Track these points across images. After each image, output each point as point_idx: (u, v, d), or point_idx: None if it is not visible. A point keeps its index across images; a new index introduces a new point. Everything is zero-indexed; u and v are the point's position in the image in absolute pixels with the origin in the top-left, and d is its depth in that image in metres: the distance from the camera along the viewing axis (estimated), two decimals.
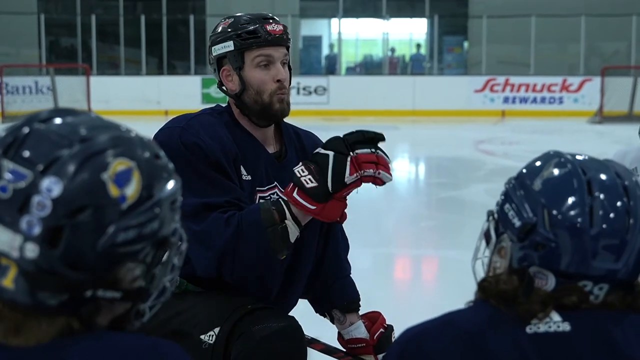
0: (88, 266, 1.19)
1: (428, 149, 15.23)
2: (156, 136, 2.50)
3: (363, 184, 2.38)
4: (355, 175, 2.33)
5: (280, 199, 2.43)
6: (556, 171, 1.50)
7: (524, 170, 1.55)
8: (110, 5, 24.87)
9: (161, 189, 1.25)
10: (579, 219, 1.44)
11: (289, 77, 2.61)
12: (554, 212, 1.46)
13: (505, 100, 21.23)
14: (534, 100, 21.20)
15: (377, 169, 2.36)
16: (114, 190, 1.19)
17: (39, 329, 1.21)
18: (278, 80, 2.55)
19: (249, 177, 2.55)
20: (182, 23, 23.71)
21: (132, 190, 1.21)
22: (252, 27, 2.54)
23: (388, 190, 10.93)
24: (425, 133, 17.99)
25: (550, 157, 1.55)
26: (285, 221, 2.38)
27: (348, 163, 2.34)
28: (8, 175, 1.17)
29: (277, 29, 2.56)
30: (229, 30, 2.56)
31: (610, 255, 1.44)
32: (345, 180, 2.33)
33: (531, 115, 20.33)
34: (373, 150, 2.37)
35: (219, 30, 2.60)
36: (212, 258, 2.39)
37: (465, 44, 24.77)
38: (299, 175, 2.36)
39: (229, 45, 2.55)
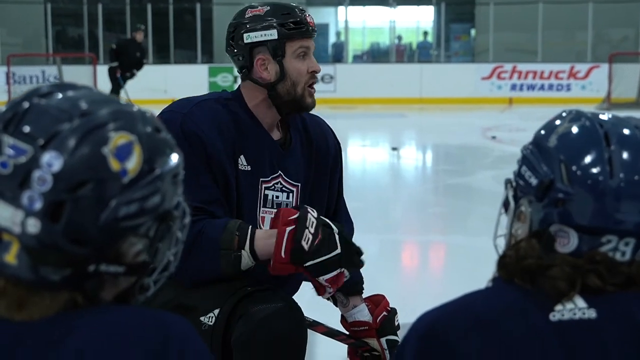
0: (90, 241, 1.18)
1: (435, 137, 15.21)
2: (158, 117, 2.48)
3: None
4: (326, 284, 2.33)
5: (250, 229, 2.38)
6: (572, 126, 1.47)
7: (541, 132, 1.51)
8: None
9: (163, 162, 1.24)
10: (598, 170, 1.40)
11: None
12: (572, 165, 1.41)
13: (513, 87, 21.18)
14: (542, 88, 21.15)
15: (333, 290, 2.38)
16: (114, 164, 1.18)
17: (42, 304, 1.20)
18: (312, 72, 2.56)
19: (249, 168, 2.53)
20: (188, 12, 23.68)
21: (133, 164, 1.20)
22: (296, 18, 2.53)
23: (395, 177, 10.94)
24: (432, 120, 17.95)
25: (565, 115, 1.51)
26: (242, 250, 2.37)
27: (334, 273, 2.31)
28: (8, 151, 1.17)
29: (312, 21, 2.58)
30: (271, 18, 2.52)
31: (633, 206, 1.39)
32: (320, 277, 2.31)
33: (539, 103, 20.27)
34: (346, 278, 2.38)
35: (253, 18, 2.54)
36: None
37: (473, 32, 24.69)
38: (307, 224, 2.31)
39: (271, 34, 2.51)
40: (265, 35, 2.52)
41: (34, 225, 1.16)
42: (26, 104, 1.21)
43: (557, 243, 1.41)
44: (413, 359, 1.39)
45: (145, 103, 19.08)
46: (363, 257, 2.73)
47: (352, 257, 2.35)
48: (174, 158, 1.27)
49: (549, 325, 1.36)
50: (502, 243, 1.55)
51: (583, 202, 1.40)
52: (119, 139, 1.19)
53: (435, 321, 1.41)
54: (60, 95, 1.22)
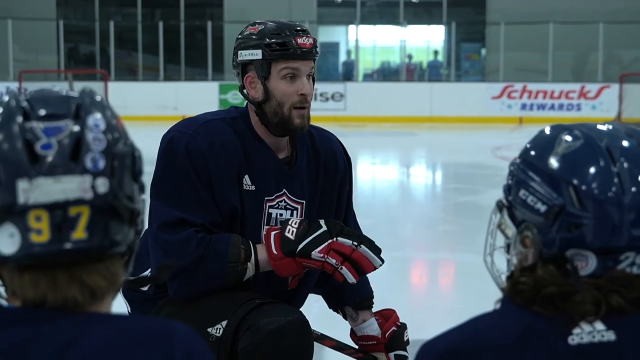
0: (132, 195, 1.25)
1: (445, 155, 15.20)
2: (164, 137, 2.53)
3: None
4: (321, 255, 2.43)
5: (251, 242, 2.49)
6: (571, 145, 1.42)
7: (532, 152, 1.46)
8: (129, 12, 24.98)
9: None
10: (610, 189, 1.37)
11: (312, 88, 2.59)
12: (582, 187, 1.37)
13: (523, 107, 21.16)
14: (552, 107, 21.13)
15: (342, 263, 2.43)
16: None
17: (109, 275, 1.24)
18: (301, 94, 2.53)
19: (253, 188, 2.54)
20: (199, 29, 23.79)
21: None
22: (282, 40, 2.50)
23: (405, 195, 10.93)
24: (442, 139, 17.96)
25: (556, 133, 1.46)
26: (248, 263, 2.45)
27: (325, 244, 2.44)
28: (45, 133, 1.20)
29: (308, 43, 2.52)
30: (258, 38, 2.51)
31: None
32: (312, 254, 2.43)
33: (549, 122, 20.08)
34: (355, 244, 2.44)
35: (247, 35, 2.55)
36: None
37: (483, 51, 24.72)
38: (288, 223, 2.48)
39: (256, 54, 2.51)
40: (252, 54, 2.52)
41: (103, 184, 1.20)
42: (23, 102, 1.25)
43: (576, 266, 1.38)
44: None
45: (156, 120, 19.15)
46: (367, 276, 2.74)
47: (341, 228, 2.47)
48: None
49: (569, 349, 1.33)
50: (495, 262, 1.51)
51: (599, 224, 1.37)
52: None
53: (450, 349, 1.36)
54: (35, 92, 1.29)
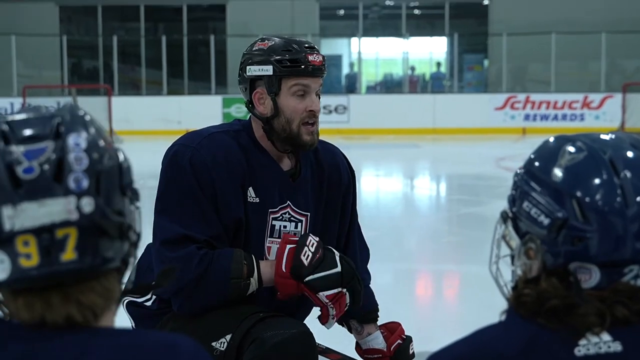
0: (121, 209, 1.23)
1: (449, 166, 15.20)
2: (168, 151, 2.53)
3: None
4: (327, 301, 2.43)
5: (253, 257, 2.47)
6: (574, 157, 1.41)
7: (536, 164, 1.45)
8: (132, 27, 25.05)
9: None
10: (613, 203, 1.36)
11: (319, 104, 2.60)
12: (585, 200, 1.36)
13: (526, 117, 21.17)
14: (555, 118, 21.13)
15: (336, 316, 2.47)
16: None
17: (104, 291, 1.23)
18: (310, 110, 2.53)
19: (257, 200, 2.54)
20: (202, 43, 23.84)
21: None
22: (293, 56, 2.49)
23: (409, 207, 10.93)
24: (446, 150, 17.96)
25: (559, 144, 1.45)
26: (250, 279, 2.45)
27: (335, 291, 2.43)
28: (25, 157, 1.19)
29: (318, 60, 2.52)
30: (270, 53, 2.51)
31: None
32: (319, 293, 2.42)
33: (552, 132, 20.05)
34: (347, 304, 2.47)
35: (256, 51, 2.54)
36: (171, 285, 2.43)
37: (486, 62, 24.74)
38: (306, 243, 2.45)
39: (267, 70, 2.50)
40: (262, 70, 2.51)
41: (88, 204, 1.19)
42: (4, 126, 1.23)
43: (579, 279, 1.37)
44: None
45: (159, 134, 19.17)
46: (372, 288, 2.75)
47: (353, 278, 2.45)
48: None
49: None
50: (500, 272, 1.51)
51: (602, 237, 1.36)
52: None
53: None
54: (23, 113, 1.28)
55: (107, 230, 1.21)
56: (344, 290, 2.43)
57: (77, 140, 1.21)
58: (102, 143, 1.24)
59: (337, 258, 2.45)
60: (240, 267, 2.43)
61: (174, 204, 2.45)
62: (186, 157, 2.46)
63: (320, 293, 2.41)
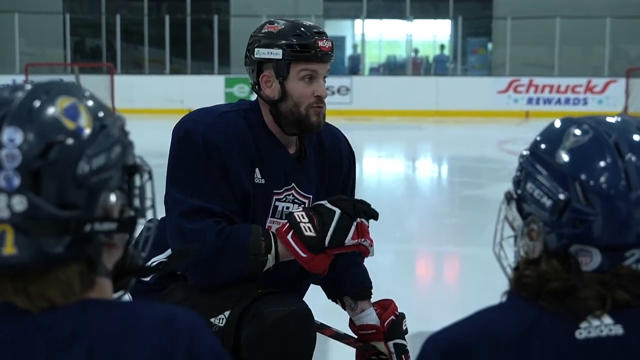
0: (74, 202, 1.19)
1: (451, 149, 15.19)
2: (179, 125, 2.52)
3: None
4: (356, 240, 2.41)
5: (271, 233, 2.46)
6: (579, 140, 1.39)
7: (542, 146, 1.43)
8: (135, 6, 24.97)
9: (109, 117, 1.28)
10: (616, 186, 1.35)
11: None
12: (589, 182, 1.35)
13: (529, 101, 21.14)
14: (558, 102, 21.10)
15: (371, 243, 2.45)
16: (69, 124, 1.21)
17: (58, 284, 1.21)
18: (317, 96, 2.54)
19: (263, 181, 2.54)
20: (206, 23, 23.78)
21: (84, 121, 1.23)
22: (304, 41, 2.49)
23: (411, 188, 10.94)
24: (448, 133, 17.94)
25: (565, 126, 1.44)
26: (268, 255, 2.43)
27: (353, 227, 2.42)
28: None
29: (327, 46, 2.52)
30: (279, 37, 2.50)
31: None
32: (346, 241, 2.41)
33: (555, 116, 19.85)
34: (368, 224, 2.46)
35: (266, 34, 2.53)
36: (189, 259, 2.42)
37: (489, 45, 24.68)
38: (298, 220, 2.43)
39: (276, 53, 2.50)
40: (271, 53, 2.51)
41: (20, 203, 1.16)
42: None
43: (580, 262, 1.36)
44: None
45: (162, 113, 19.17)
46: (367, 267, 2.75)
47: (355, 205, 2.44)
48: (116, 115, 1.31)
49: (576, 343, 1.32)
50: (502, 253, 1.51)
51: (604, 221, 1.35)
52: (62, 102, 1.23)
53: (455, 342, 1.36)
54: None
55: (47, 228, 1.18)
56: (358, 220, 2.43)
57: (11, 136, 1.17)
58: (52, 136, 1.19)
59: (329, 205, 2.44)
60: (259, 243, 2.42)
61: (189, 178, 2.45)
62: (199, 133, 2.46)
63: (346, 241, 2.41)
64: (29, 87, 1.24)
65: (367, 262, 2.80)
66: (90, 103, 1.26)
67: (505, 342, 1.32)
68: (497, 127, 18.42)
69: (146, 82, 21.77)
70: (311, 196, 2.65)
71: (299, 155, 2.65)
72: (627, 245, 1.36)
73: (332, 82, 20.94)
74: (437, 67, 24.07)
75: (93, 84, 19.34)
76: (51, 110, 1.21)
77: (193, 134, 2.47)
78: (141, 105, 20.11)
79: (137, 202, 1.30)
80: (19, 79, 19.47)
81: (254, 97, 2.66)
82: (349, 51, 25.37)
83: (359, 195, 2.82)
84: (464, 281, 6.08)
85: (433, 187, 11.35)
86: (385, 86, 21.68)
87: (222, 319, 2.43)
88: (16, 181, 1.16)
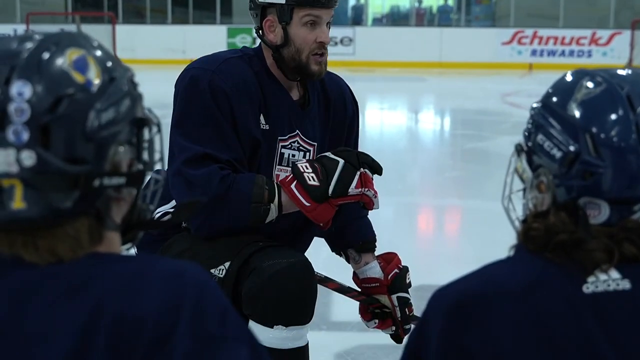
0: (83, 156, 1.19)
1: (454, 101, 15.15)
2: (184, 73, 2.50)
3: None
4: (359, 190, 2.41)
5: (275, 183, 2.46)
6: (591, 91, 1.39)
7: (554, 98, 1.42)
8: None
9: (119, 69, 1.26)
10: (628, 139, 1.34)
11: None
12: (599, 135, 1.34)
13: (533, 53, 21.03)
14: (562, 54, 20.99)
15: (375, 194, 2.44)
16: (78, 77, 1.20)
17: (67, 238, 1.21)
18: (320, 42, 2.52)
19: (267, 127, 2.54)
20: None
21: (93, 73, 1.21)
22: None
23: (413, 141, 10.93)
24: (451, 85, 17.88)
25: (578, 78, 1.43)
26: (271, 204, 2.43)
27: (357, 176, 2.42)
28: None
29: None
30: None
31: None
32: (349, 190, 2.40)
33: (559, 69, 20.07)
34: (372, 176, 2.46)
35: None
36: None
37: None
38: (302, 170, 2.43)
39: None
40: None
41: (29, 157, 1.16)
42: None
43: (588, 215, 1.36)
44: (440, 338, 1.33)
45: (164, 63, 19.09)
46: (371, 220, 2.74)
47: (358, 156, 2.45)
48: (125, 66, 1.29)
49: (583, 297, 1.31)
50: (511, 205, 1.50)
51: (613, 174, 1.34)
52: (71, 54, 1.21)
53: (462, 296, 1.35)
54: None
55: (56, 183, 1.17)
56: (361, 170, 2.43)
57: (20, 89, 1.16)
58: (61, 89, 1.18)
59: (333, 155, 2.45)
60: (262, 192, 2.42)
61: (195, 125, 2.44)
62: (205, 80, 2.45)
63: (349, 191, 2.41)
64: (37, 37, 1.22)
65: (369, 215, 2.80)
66: (99, 54, 1.25)
67: (513, 295, 1.32)
68: (500, 79, 18.35)
69: (148, 32, 21.66)
70: (315, 144, 2.64)
71: (303, 102, 2.64)
72: (636, 199, 1.35)
73: (335, 32, 20.81)
74: (440, 17, 23.90)
75: (94, 33, 19.15)
76: (60, 62, 1.20)
77: (200, 81, 2.46)
78: (143, 55, 20.02)
79: (145, 155, 1.30)
80: (20, 28, 19.38)
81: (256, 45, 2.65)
82: (352, 1, 25.18)
83: (361, 147, 2.82)
84: (465, 234, 6.10)
85: (435, 140, 11.34)
86: (388, 37, 21.56)
87: (222, 269, 2.44)
88: (25, 135, 1.15)
